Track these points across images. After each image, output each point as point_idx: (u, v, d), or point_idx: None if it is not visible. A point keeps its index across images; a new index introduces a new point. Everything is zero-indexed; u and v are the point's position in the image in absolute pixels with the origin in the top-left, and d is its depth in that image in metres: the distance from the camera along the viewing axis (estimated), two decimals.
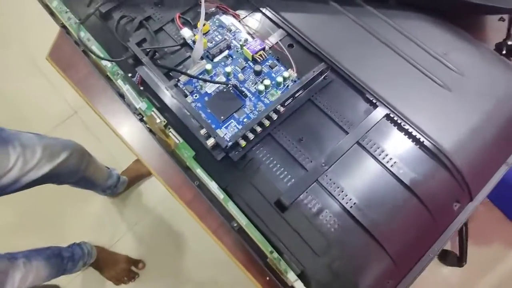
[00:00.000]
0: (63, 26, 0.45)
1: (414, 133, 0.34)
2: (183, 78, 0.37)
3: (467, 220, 0.92)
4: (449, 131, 0.35)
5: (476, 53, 0.40)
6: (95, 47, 0.42)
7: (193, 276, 1.00)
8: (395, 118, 0.35)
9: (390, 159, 0.33)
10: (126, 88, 0.40)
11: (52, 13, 0.47)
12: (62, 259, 0.80)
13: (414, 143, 0.35)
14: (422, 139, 0.34)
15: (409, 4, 0.42)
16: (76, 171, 0.73)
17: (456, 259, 0.90)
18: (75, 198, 1.10)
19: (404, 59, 0.38)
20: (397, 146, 0.34)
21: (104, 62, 0.41)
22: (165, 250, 1.04)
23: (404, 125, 0.35)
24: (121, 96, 0.41)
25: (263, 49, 0.37)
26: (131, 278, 0.99)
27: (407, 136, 0.35)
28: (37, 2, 0.47)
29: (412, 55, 0.38)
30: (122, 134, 0.42)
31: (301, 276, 0.31)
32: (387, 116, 0.35)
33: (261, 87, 0.35)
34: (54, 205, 1.11)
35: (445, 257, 0.93)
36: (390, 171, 0.33)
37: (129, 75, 0.40)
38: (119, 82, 0.40)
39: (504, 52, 0.42)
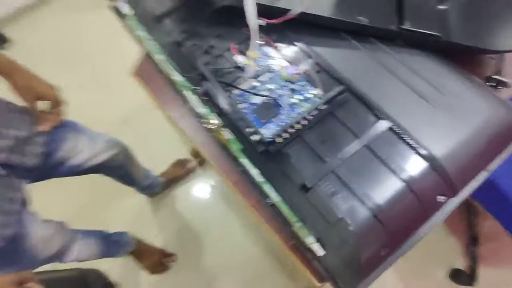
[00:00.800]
0: (147, 49, 0.60)
1: (411, 142, 0.45)
2: (235, 91, 0.50)
3: (478, 238, 0.97)
4: (440, 142, 0.45)
5: (467, 83, 0.50)
6: (171, 66, 0.56)
7: (218, 272, 1.10)
8: (396, 130, 0.45)
9: (392, 160, 0.44)
10: (192, 97, 0.54)
11: (138, 40, 0.63)
12: (109, 243, 0.92)
13: (411, 149, 0.45)
14: (417, 147, 0.44)
15: (414, 44, 0.53)
16: (122, 165, 0.88)
17: (467, 277, 0.95)
18: (119, 194, 1.25)
19: (406, 85, 0.49)
20: (397, 151, 0.45)
21: (176, 77, 0.55)
22: (194, 249, 1.15)
23: (403, 135, 0.45)
24: (186, 103, 0.54)
25: (298, 73, 0.50)
26: (164, 269, 1.10)
27: (405, 144, 0.45)
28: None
29: (413, 83, 0.49)
30: (187, 132, 0.55)
31: (318, 241, 0.41)
32: (390, 128, 0.46)
33: (294, 100, 0.47)
34: (101, 198, 1.26)
35: (457, 276, 0.97)
36: (391, 169, 0.43)
37: (196, 88, 0.53)
38: (187, 93, 0.54)
39: (491, 83, 0.52)
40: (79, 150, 0.71)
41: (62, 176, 0.72)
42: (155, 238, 1.17)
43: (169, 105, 0.59)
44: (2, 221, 0.54)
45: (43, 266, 0.71)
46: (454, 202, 0.44)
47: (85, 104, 1.45)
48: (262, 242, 1.05)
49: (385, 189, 0.42)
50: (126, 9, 0.65)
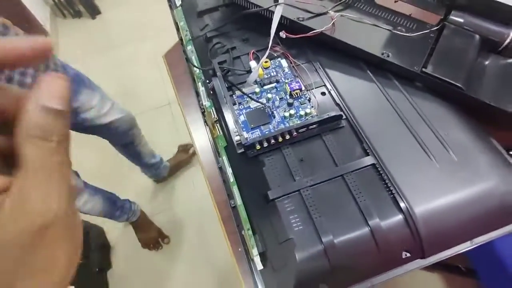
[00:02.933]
0: (180, 39, 0.66)
1: (391, 187, 0.42)
2: (238, 93, 0.52)
3: None
4: (424, 198, 0.41)
5: (480, 143, 0.45)
6: (194, 57, 0.60)
7: (204, 260, 1.12)
8: (379, 169, 0.43)
9: (363, 197, 0.42)
10: (201, 89, 0.57)
11: (177, 28, 0.68)
12: (115, 205, 1.00)
13: (388, 193, 0.42)
14: (395, 194, 0.41)
15: (432, 90, 0.50)
16: (126, 132, 0.93)
17: None
18: (133, 168, 1.34)
19: (408, 129, 0.46)
20: (373, 191, 0.42)
21: (194, 68, 0.59)
22: (186, 236, 1.18)
23: (385, 177, 0.43)
24: (197, 94, 0.58)
25: (300, 89, 0.50)
26: (156, 247, 1.15)
27: (385, 187, 0.42)
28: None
29: (416, 128, 0.46)
30: (187, 118, 0.59)
31: (262, 255, 0.41)
32: (373, 166, 0.44)
33: (286, 114, 0.48)
34: (119, 165, 1.35)
35: None
36: (360, 208, 0.41)
37: (207, 81, 0.56)
38: (199, 84, 0.58)
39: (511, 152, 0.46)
40: (91, 105, 0.78)
41: (71, 129, 0.80)
42: (156, 216, 1.23)
43: (182, 91, 0.63)
44: None
45: None
46: (419, 264, 0.40)
47: (137, 78, 1.60)
48: None
49: (345, 227, 0.40)
50: (178, 1, 0.71)
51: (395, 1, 0.64)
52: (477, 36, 0.54)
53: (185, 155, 1.31)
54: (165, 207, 1.26)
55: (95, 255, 1.08)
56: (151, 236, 1.13)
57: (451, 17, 0.56)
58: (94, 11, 1.93)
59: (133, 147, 1.01)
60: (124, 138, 0.96)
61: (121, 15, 1.90)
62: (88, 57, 1.72)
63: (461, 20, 0.56)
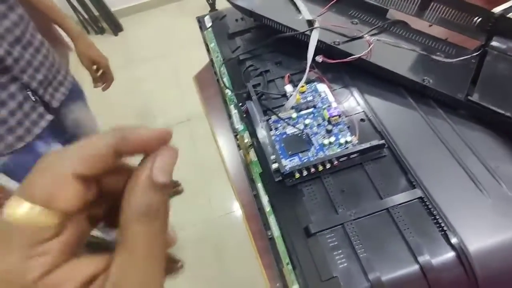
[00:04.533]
0: (211, 60, 0.65)
1: (442, 222, 0.39)
2: (273, 118, 0.51)
3: None
4: (478, 235, 0.39)
5: None
6: (225, 79, 0.60)
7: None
8: (428, 203, 0.41)
9: (411, 233, 0.39)
10: (234, 112, 0.56)
11: (208, 50, 0.68)
12: None
13: (439, 230, 0.39)
14: (447, 230, 0.39)
15: (478, 119, 0.48)
16: None
17: None
18: None
19: (455, 159, 0.44)
20: (422, 227, 0.40)
21: (227, 91, 0.58)
22: (204, 259, 1.15)
23: (434, 211, 0.40)
24: (229, 116, 0.57)
25: (339, 115, 0.48)
26: (169, 272, 1.12)
27: (434, 222, 0.40)
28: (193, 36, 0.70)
29: (464, 159, 0.44)
30: (219, 141, 0.58)
31: None
32: (420, 199, 0.41)
33: (326, 141, 0.46)
34: None
35: None
36: (408, 244, 0.39)
37: (240, 104, 0.56)
38: (231, 107, 0.57)
39: None
40: (82, 123, 0.78)
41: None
42: None
43: (214, 114, 0.62)
44: (17, 137, 0.61)
45: None
46: None
47: (156, 93, 1.62)
48: None
49: (394, 264, 0.38)
50: (208, 22, 0.71)
51: (430, 25, 0.63)
52: None
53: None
54: (177, 226, 1.24)
55: None
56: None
57: (493, 43, 0.54)
58: (116, 28, 1.98)
59: None
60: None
61: (142, 33, 1.95)
62: None
63: (504, 46, 0.54)
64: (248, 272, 1.06)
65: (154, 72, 1.71)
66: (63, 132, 0.74)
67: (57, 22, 0.68)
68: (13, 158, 0.63)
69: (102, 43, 1.94)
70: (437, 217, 0.40)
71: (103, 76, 0.75)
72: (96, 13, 1.93)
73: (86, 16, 1.91)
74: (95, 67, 0.72)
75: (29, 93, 0.62)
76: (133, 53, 1.85)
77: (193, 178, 1.31)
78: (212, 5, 1.94)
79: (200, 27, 0.72)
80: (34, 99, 0.63)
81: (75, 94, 0.74)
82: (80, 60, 0.70)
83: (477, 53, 0.55)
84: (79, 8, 1.87)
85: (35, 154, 0.65)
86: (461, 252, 0.38)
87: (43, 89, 0.65)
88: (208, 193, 1.27)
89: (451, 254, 0.38)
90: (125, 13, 2.06)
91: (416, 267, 0.37)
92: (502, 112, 0.45)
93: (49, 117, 0.67)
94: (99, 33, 2.00)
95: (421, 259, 0.37)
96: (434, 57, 0.54)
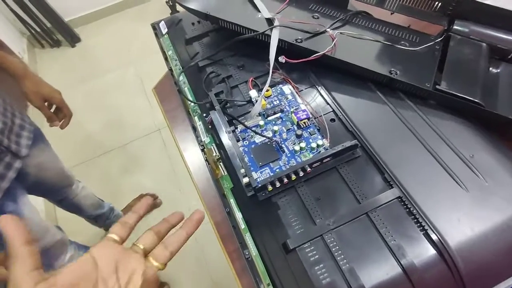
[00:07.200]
0: (170, 69, 0.61)
1: (422, 221, 0.38)
2: (240, 127, 0.47)
3: None
4: (458, 229, 0.37)
5: (506, 163, 0.42)
6: (187, 89, 0.56)
7: None
8: (406, 202, 0.39)
9: (392, 237, 0.37)
10: (198, 124, 0.52)
11: (166, 58, 0.64)
12: None
13: (420, 229, 0.38)
14: (428, 228, 0.37)
15: (447, 107, 0.47)
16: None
17: None
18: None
19: (429, 153, 0.42)
20: (402, 228, 0.38)
21: (189, 101, 0.54)
22: (187, 278, 1.10)
23: (413, 210, 0.38)
24: (194, 128, 0.53)
25: (308, 118, 0.46)
26: None
27: (414, 221, 0.38)
28: (155, 41, 0.65)
29: (438, 151, 0.42)
30: (185, 155, 0.54)
31: None
32: (399, 198, 0.39)
33: (297, 148, 0.43)
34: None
35: None
36: (390, 248, 0.37)
37: (204, 115, 0.52)
38: (196, 118, 0.53)
39: None
40: (45, 166, 0.72)
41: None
42: None
43: (177, 126, 0.58)
44: None
45: None
46: None
47: (123, 106, 1.54)
48: None
49: (377, 271, 0.36)
50: (164, 29, 0.67)
51: (391, 13, 0.61)
52: (485, 45, 0.52)
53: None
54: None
55: None
56: None
57: (455, 27, 0.54)
58: (73, 39, 1.87)
59: (69, 200, 0.90)
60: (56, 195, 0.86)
61: (101, 42, 1.84)
62: (71, 87, 1.65)
63: (466, 29, 0.53)
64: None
65: (118, 83, 1.62)
66: (25, 179, 0.67)
67: None
68: None
69: (59, 57, 1.82)
70: (417, 216, 0.38)
71: (58, 113, 0.67)
72: (49, 25, 1.81)
73: (38, 29, 1.79)
74: (47, 104, 0.64)
75: None
76: (94, 64, 1.75)
77: (170, 189, 1.26)
78: (173, 7, 1.87)
79: (156, 34, 0.68)
80: None
81: (34, 136, 0.67)
82: (29, 100, 0.61)
83: (440, 39, 0.54)
84: (29, 21, 1.74)
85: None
86: (442, 249, 0.36)
87: (7, 138, 0.58)
88: (187, 203, 1.22)
89: (433, 252, 0.37)
90: (80, 22, 1.94)
91: (399, 270, 0.36)
92: (471, 98, 0.44)
93: (18, 164, 0.60)
94: (55, 46, 1.87)
95: (403, 261, 0.36)
96: (398, 46, 0.53)
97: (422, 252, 0.37)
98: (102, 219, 1.06)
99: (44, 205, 1.16)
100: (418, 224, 0.38)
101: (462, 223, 0.38)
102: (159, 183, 1.30)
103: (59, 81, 1.71)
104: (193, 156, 0.55)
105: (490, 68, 0.50)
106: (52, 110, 0.66)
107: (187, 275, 1.09)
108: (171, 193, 1.27)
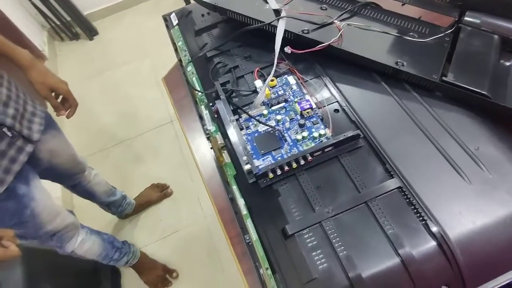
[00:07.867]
0: (180, 60, 0.63)
1: (422, 212, 0.38)
2: (244, 116, 0.48)
3: None
4: (459, 222, 0.37)
5: (511, 156, 0.41)
6: (194, 79, 0.57)
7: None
8: (407, 193, 0.39)
9: (391, 226, 0.38)
10: (205, 113, 0.54)
11: (176, 49, 0.65)
12: (112, 246, 0.93)
13: (420, 220, 0.38)
14: (427, 219, 0.37)
15: (454, 99, 0.46)
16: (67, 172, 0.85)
17: None
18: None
19: (433, 144, 0.42)
20: (401, 218, 0.38)
21: (196, 90, 0.55)
22: (196, 264, 1.12)
23: (413, 201, 0.39)
24: (201, 118, 0.54)
25: (311, 108, 0.46)
26: (166, 285, 1.08)
27: (414, 211, 0.38)
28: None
29: (442, 143, 0.42)
30: (191, 144, 0.55)
31: None
32: (399, 189, 0.40)
33: (299, 137, 0.44)
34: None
35: None
36: (388, 237, 0.37)
37: (210, 104, 0.53)
38: (202, 107, 0.54)
39: None
40: (57, 152, 0.75)
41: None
42: (146, 247, 1.16)
43: (186, 116, 0.59)
44: None
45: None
46: None
47: (138, 97, 1.58)
48: None
49: (374, 260, 0.36)
50: (174, 20, 0.68)
51: (402, 5, 0.60)
52: (496, 37, 0.51)
53: (155, 194, 1.24)
54: (166, 234, 1.20)
55: None
56: (157, 275, 1.06)
57: (466, 18, 0.52)
58: (91, 33, 1.92)
59: (82, 186, 0.94)
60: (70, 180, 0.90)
61: (118, 35, 1.88)
62: (88, 79, 1.70)
63: (477, 21, 0.52)
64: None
65: (134, 75, 1.66)
66: (38, 164, 0.70)
67: (6, 54, 0.62)
68: None
69: (78, 49, 1.88)
70: (417, 207, 0.38)
71: (64, 103, 0.70)
72: (68, 18, 1.86)
73: (58, 23, 1.85)
74: (53, 94, 0.67)
75: (5, 129, 0.58)
76: (111, 57, 1.79)
77: (182, 179, 1.29)
78: (187, 0, 1.89)
79: (167, 26, 0.69)
80: (10, 135, 0.59)
81: (46, 123, 0.70)
82: (37, 90, 0.64)
83: (450, 30, 0.53)
84: (50, 15, 1.80)
85: (17, 198, 0.61)
86: (442, 241, 0.36)
87: (19, 123, 0.61)
88: (197, 192, 1.25)
89: (432, 244, 0.37)
90: (98, 16, 1.99)
91: (397, 260, 0.36)
92: (478, 90, 0.44)
93: (29, 148, 0.63)
94: (73, 39, 1.93)
95: (401, 251, 0.36)
96: (407, 38, 0.52)
97: (421, 242, 0.37)
98: (115, 206, 1.10)
99: (61, 192, 1.21)
100: (418, 215, 0.38)
101: (464, 215, 0.38)
102: (171, 173, 1.32)
103: (77, 73, 1.76)
104: (200, 145, 0.56)
105: (501, 61, 0.49)
106: (59, 100, 0.69)
107: (195, 263, 1.11)
108: (183, 183, 1.29)
